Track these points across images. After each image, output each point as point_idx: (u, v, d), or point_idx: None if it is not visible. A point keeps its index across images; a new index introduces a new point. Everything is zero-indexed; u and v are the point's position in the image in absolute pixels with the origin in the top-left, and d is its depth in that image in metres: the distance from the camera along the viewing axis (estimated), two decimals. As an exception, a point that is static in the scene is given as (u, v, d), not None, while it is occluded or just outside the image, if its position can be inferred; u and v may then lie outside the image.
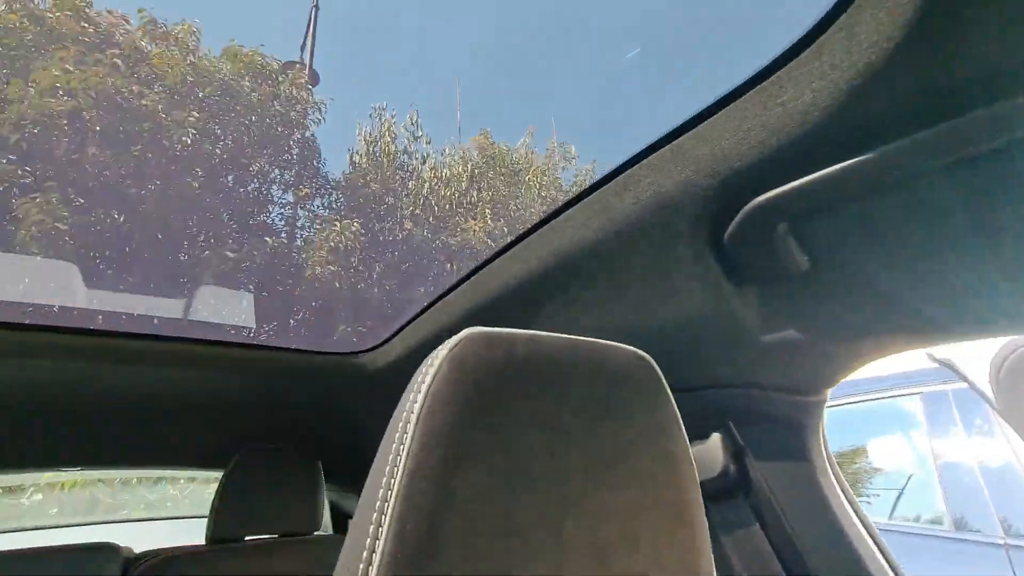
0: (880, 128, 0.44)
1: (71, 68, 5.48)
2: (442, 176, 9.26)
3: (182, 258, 5.89)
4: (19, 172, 5.32)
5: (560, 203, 0.87)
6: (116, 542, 1.72)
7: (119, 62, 5.93)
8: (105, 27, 7.28)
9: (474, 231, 7.92)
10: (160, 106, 5.94)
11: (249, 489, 1.69)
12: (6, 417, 1.54)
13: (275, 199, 8.45)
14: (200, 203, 6.19)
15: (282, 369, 1.60)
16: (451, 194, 8.89)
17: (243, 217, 7.28)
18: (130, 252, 5.53)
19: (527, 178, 9.48)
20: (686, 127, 0.58)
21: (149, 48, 7.17)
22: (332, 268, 6.29)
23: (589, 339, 0.46)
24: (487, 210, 8.48)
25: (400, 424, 0.38)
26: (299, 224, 8.38)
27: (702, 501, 0.43)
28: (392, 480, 0.35)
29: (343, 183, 8.92)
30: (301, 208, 8.53)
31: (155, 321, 4.82)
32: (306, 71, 9.97)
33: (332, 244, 6.40)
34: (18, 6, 7.28)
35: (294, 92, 8.16)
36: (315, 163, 8.83)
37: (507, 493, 0.36)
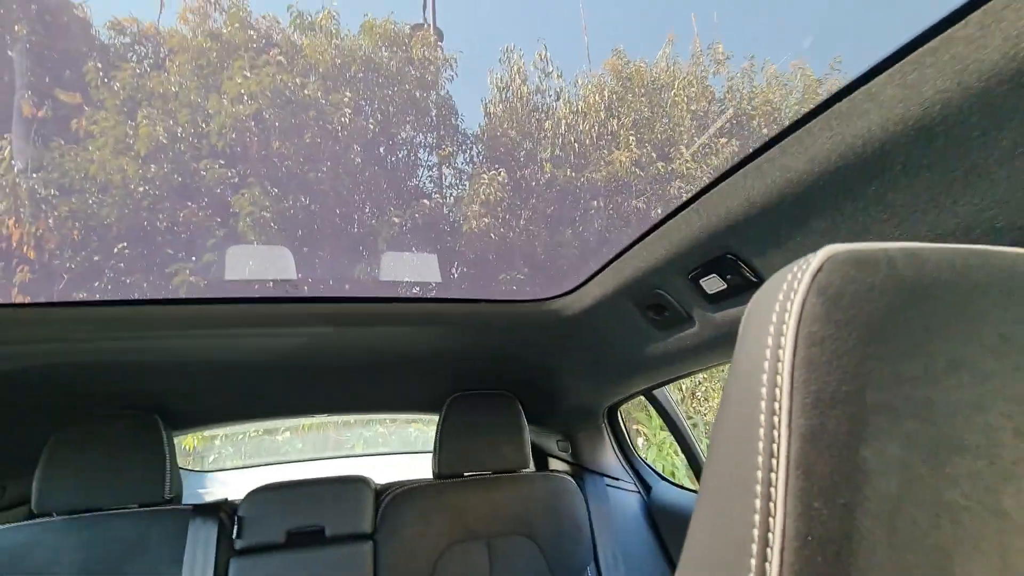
0: None
1: (248, 74, 6.24)
2: (578, 110, 8.81)
3: (356, 229, 6.57)
4: (228, 173, 6.30)
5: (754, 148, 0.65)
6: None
7: (283, 59, 6.60)
8: (264, 30, 8.14)
9: (620, 162, 7.44)
10: (319, 92, 6.51)
11: (462, 430, 1.81)
12: (266, 375, 1.76)
13: (423, 162, 8.94)
14: (363, 176, 6.78)
15: (483, 318, 1.63)
16: (589, 127, 8.44)
17: (398, 183, 7.82)
18: (318, 230, 6.32)
19: (672, 94, 8.54)
20: None
21: (300, 40, 7.86)
22: (486, 220, 6.47)
23: (999, 248, 0.33)
24: (631, 137, 7.89)
25: (764, 376, 0.31)
26: (447, 183, 8.79)
27: None
28: (775, 446, 0.28)
29: (482, 136, 9.03)
30: (446, 167, 8.89)
31: (347, 287, 5.54)
32: (431, 30, 10.08)
33: (483, 197, 6.56)
34: (201, 30, 8.47)
35: (426, 53, 8.33)
36: (453, 120, 9.05)
37: (932, 464, 0.28)
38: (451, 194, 7.86)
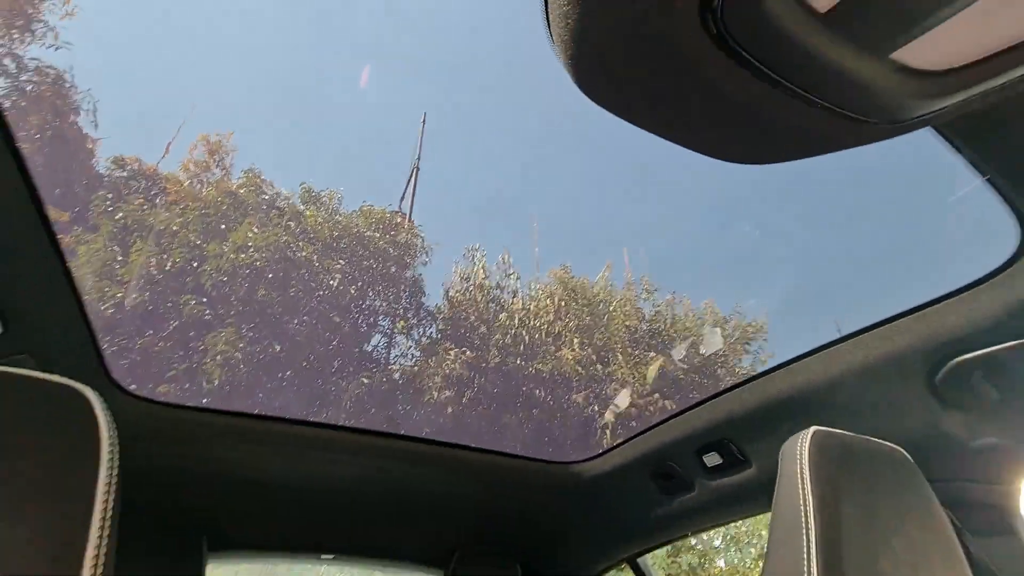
0: None
1: (256, 230, 6.96)
2: (530, 308, 10.08)
3: (319, 383, 6.71)
4: (206, 312, 6.52)
5: (796, 354, 1.35)
6: None
7: (292, 224, 7.45)
8: (271, 196, 9.18)
9: (567, 359, 8.40)
10: (315, 256, 7.26)
11: None
12: (303, 504, 1.72)
13: (381, 328, 9.50)
14: (339, 335, 7.18)
15: (499, 472, 1.79)
16: (540, 324, 9.60)
17: (362, 345, 8.23)
18: (282, 378, 6.42)
19: (611, 308, 10.10)
20: (907, 312, 1.09)
21: (302, 209, 8.90)
22: (447, 394, 6.88)
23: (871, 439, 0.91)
24: (575, 339, 9.04)
25: (799, 518, 0.73)
26: (400, 352, 9.28)
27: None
28: (810, 553, 0.70)
29: (444, 315, 9.91)
30: (407, 337, 9.48)
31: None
32: (406, 220, 11.66)
33: (446, 372, 7.06)
34: (215, 186, 9.38)
35: (409, 239, 9.58)
36: (419, 298, 9.97)
37: (879, 557, 0.67)
38: (411, 364, 8.30)
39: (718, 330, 10.38)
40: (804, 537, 0.74)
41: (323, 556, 2.40)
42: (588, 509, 1.94)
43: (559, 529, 2.04)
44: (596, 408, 8.52)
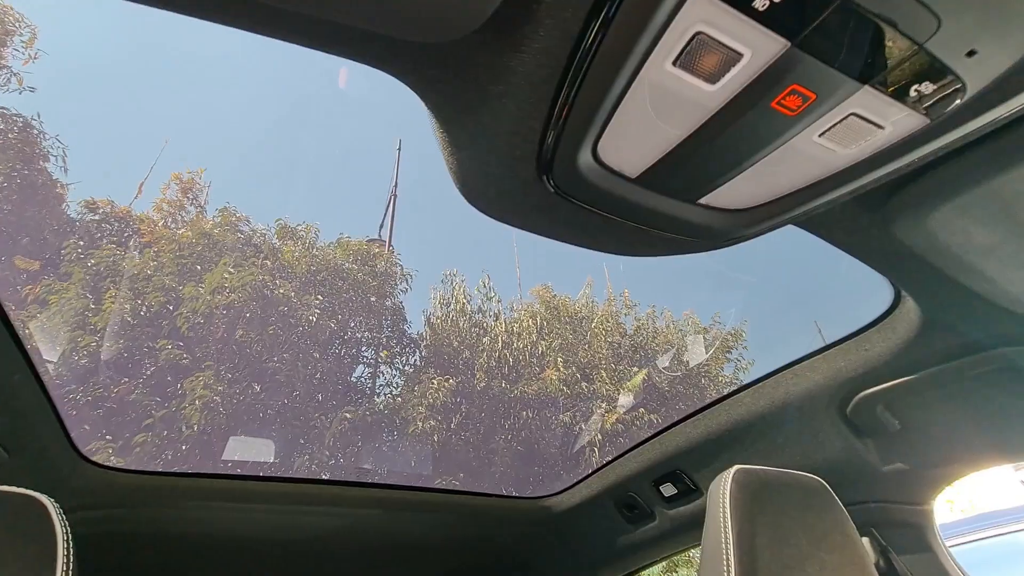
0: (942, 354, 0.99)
1: (232, 270, 6.93)
2: (512, 330, 10.14)
3: (301, 420, 6.65)
4: (183, 355, 6.45)
5: (734, 387, 1.44)
6: None
7: (268, 262, 7.44)
8: (246, 233, 9.16)
9: (551, 379, 8.44)
10: (292, 292, 7.25)
11: None
12: (242, 557, 1.71)
13: (364, 358, 9.45)
14: (320, 370, 7.14)
15: (472, 512, 1.90)
16: (523, 346, 9.65)
17: (345, 378, 8.18)
18: (264, 418, 6.35)
19: (592, 325, 10.19)
20: (816, 352, 1.17)
21: (278, 244, 8.89)
22: (432, 423, 6.86)
23: (791, 472, 0.99)
24: (559, 359, 9.10)
25: (720, 552, 0.85)
26: (388, 382, 9.25)
27: None
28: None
29: (425, 342, 9.93)
30: (388, 366, 9.45)
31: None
32: (386, 247, 11.70)
33: (430, 400, 7.06)
34: (180, 220, 9.33)
35: (387, 268, 9.61)
36: (402, 326, 9.98)
37: None
38: (392, 393, 8.28)
39: (700, 337, 10.54)
40: (725, 570, 0.82)
41: None
42: (559, 541, 2.01)
43: (533, 563, 2.10)
44: (583, 426, 8.55)
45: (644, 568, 1.99)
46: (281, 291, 7.10)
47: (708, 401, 1.47)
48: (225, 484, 1.55)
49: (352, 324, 8.41)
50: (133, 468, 1.59)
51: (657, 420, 8.86)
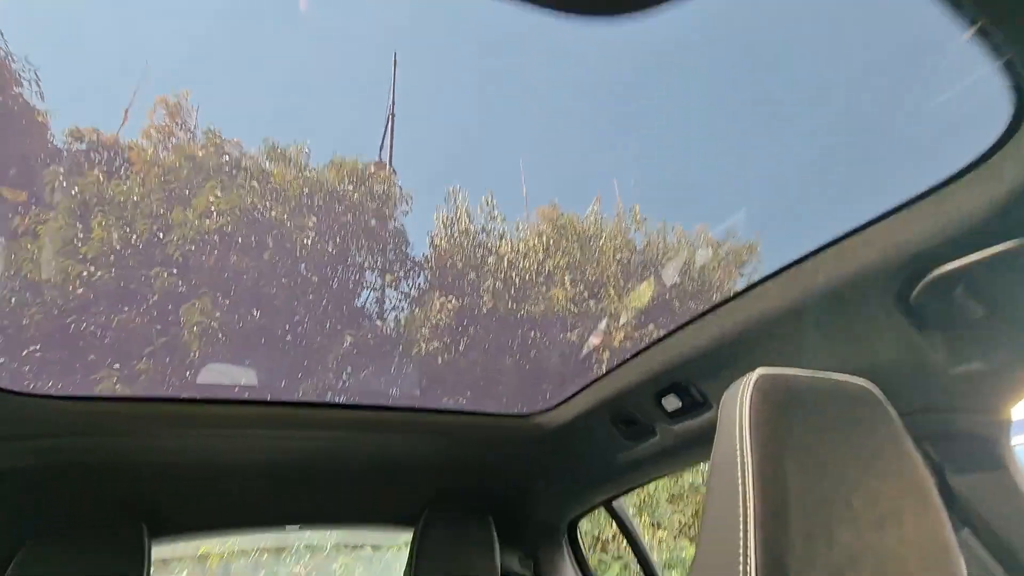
0: None
1: (219, 193, 6.62)
2: (518, 249, 9.84)
3: (305, 345, 6.63)
4: (179, 283, 6.32)
5: (755, 279, 1.15)
6: None
7: (255, 184, 7.09)
8: (236, 156, 8.73)
9: (557, 298, 8.26)
10: (285, 215, 6.96)
11: (437, 554, 1.80)
12: (250, 481, 1.71)
13: (371, 284, 9.34)
14: (317, 295, 7.02)
15: (470, 430, 1.81)
16: (529, 265, 9.39)
17: (350, 303, 8.09)
18: (266, 343, 6.32)
19: (601, 243, 9.84)
20: (874, 222, 0.86)
21: (269, 167, 8.48)
22: (435, 344, 6.80)
23: (830, 375, 0.69)
24: (566, 278, 8.86)
25: (735, 483, 0.56)
26: (393, 306, 9.18)
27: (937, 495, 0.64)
28: (748, 524, 0.53)
29: (429, 264, 9.72)
30: (393, 289, 9.34)
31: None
32: (386, 169, 11.19)
33: (433, 322, 6.95)
34: (174, 149, 8.91)
35: (385, 189, 9.20)
36: (404, 249, 9.73)
37: (829, 512, 0.54)
38: (400, 317, 8.21)
39: (709, 249, 10.18)
40: (741, 506, 0.56)
41: (288, 527, 2.38)
42: (553, 459, 1.89)
43: (526, 480, 2.03)
44: (590, 344, 8.48)
45: (648, 483, 1.90)
46: (273, 214, 6.82)
47: (721, 299, 1.18)
48: (190, 409, 1.43)
49: (352, 247, 8.19)
50: (78, 395, 1.46)
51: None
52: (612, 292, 8.85)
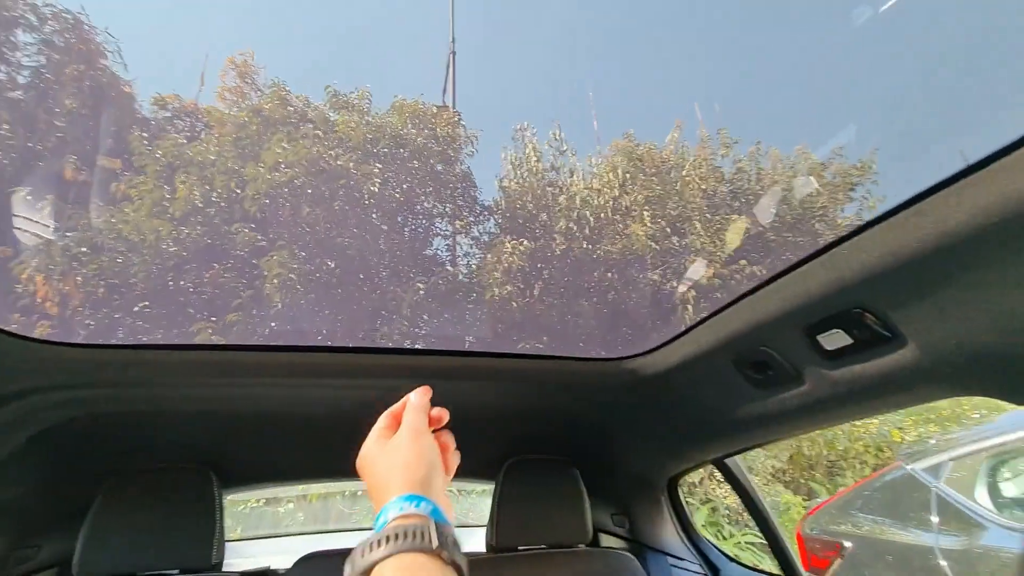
0: None
1: (286, 145, 6.61)
2: (591, 186, 9.20)
3: (379, 293, 6.66)
4: (258, 237, 6.48)
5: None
6: None
7: (319, 133, 7.01)
8: (300, 107, 8.71)
9: (637, 236, 7.66)
10: (351, 164, 6.86)
11: (520, 500, 1.73)
12: (323, 431, 1.63)
13: (441, 231, 9.21)
14: (388, 243, 6.97)
15: (554, 376, 1.59)
16: (604, 202, 8.77)
17: (419, 250, 8.03)
18: (343, 293, 6.40)
19: (683, 174, 8.95)
20: None
21: (334, 117, 8.39)
22: (508, 288, 6.57)
23: None
24: (645, 213, 8.18)
25: None
26: (464, 252, 9.03)
27: None
28: None
29: (499, 207, 9.39)
30: (463, 236, 9.16)
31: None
32: (449, 110, 10.77)
33: (505, 265, 6.70)
34: (240, 107, 9.06)
35: (449, 131, 8.84)
36: (472, 193, 9.44)
37: None
38: (471, 262, 8.05)
39: (812, 179, 8.93)
40: None
41: (359, 479, 2.28)
42: (651, 408, 1.63)
43: (618, 431, 1.84)
44: (675, 284, 7.85)
45: (782, 439, 1.63)
46: (340, 162, 6.73)
47: (934, 184, 0.75)
48: (258, 357, 1.38)
49: (419, 193, 8.01)
50: (144, 343, 1.43)
51: (760, 272, 7.89)
52: (698, 226, 8.06)
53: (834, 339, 0.99)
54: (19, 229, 6.54)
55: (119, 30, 10.29)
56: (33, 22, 9.94)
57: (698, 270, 7.37)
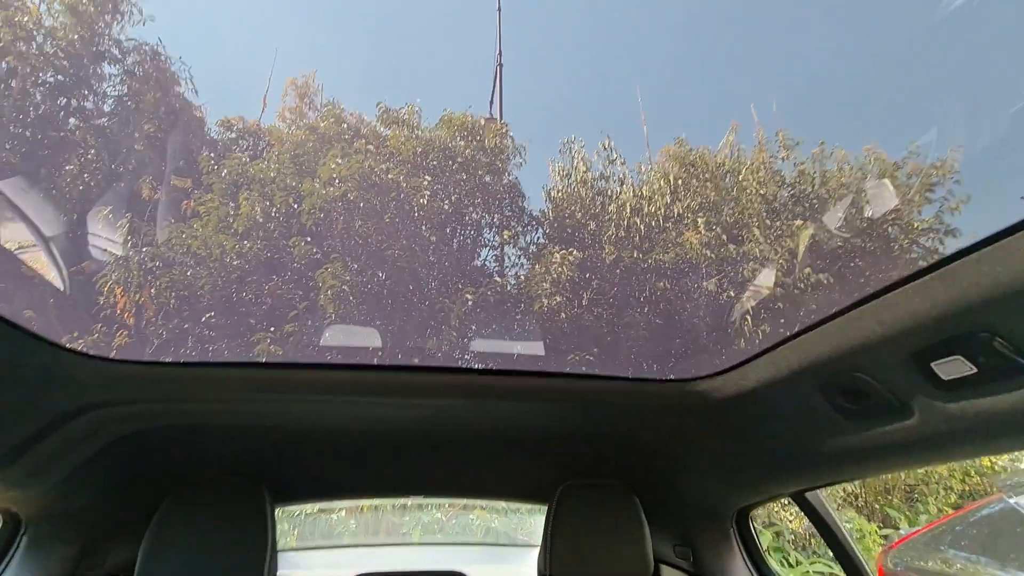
0: None
1: (340, 160, 6.83)
2: (642, 193, 8.97)
3: (428, 304, 6.73)
4: (313, 250, 6.70)
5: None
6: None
7: (371, 148, 7.21)
8: (353, 123, 9.02)
9: (690, 243, 7.38)
10: (401, 177, 7.00)
11: (576, 526, 1.64)
12: (375, 448, 1.69)
13: (489, 242, 9.25)
14: (437, 254, 7.05)
15: (613, 397, 1.51)
16: (655, 210, 8.52)
17: (468, 262, 8.07)
18: (392, 304, 6.51)
19: (740, 178, 8.57)
20: None
21: (385, 132, 8.63)
22: (557, 299, 6.47)
23: None
24: (699, 220, 7.87)
25: None
26: (512, 263, 9.01)
27: None
28: None
29: (546, 217, 9.32)
30: (511, 247, 9.14)
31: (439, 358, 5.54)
32: (497, 122, 10.84)
33: (554, 276, 6.61)
34: (298, 125, 9.48)
35: (497, 142, 8.88)
36: (520, 203, 9.43)
37: None
38: (520, 273, 8.01)
39: (887, 182, 8.30)
40: None
41: (410, 497, 2.33)
42: (721, 435, 1.52)
43: (684, 457, 1.71)
44: (732, 294, 7.49)
45: (877, 475, 1.43)
46: (390, 176, 6.88)
47: None
48: (310, 375, 1.39)
49: (467, 204, 8.07)
50: (198, 361, 1.48)
51: (827, 280, 7.39)
52: (756, 233, 7.67)
53: (952, 367, 0.84)
54: (100, 246, 7.07)
55: (191, 58, 11.08)
56: (117, 55, 10.85)
57: (762, 281, 6.98)
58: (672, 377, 1.45)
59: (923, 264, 0.78)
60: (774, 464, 1.49)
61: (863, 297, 0.93)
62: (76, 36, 10.20)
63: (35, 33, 10.07)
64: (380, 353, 6.00)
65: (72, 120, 10.10)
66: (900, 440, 1.04)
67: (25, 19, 9.99)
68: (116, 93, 10.71)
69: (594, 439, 1.73)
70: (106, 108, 10.71)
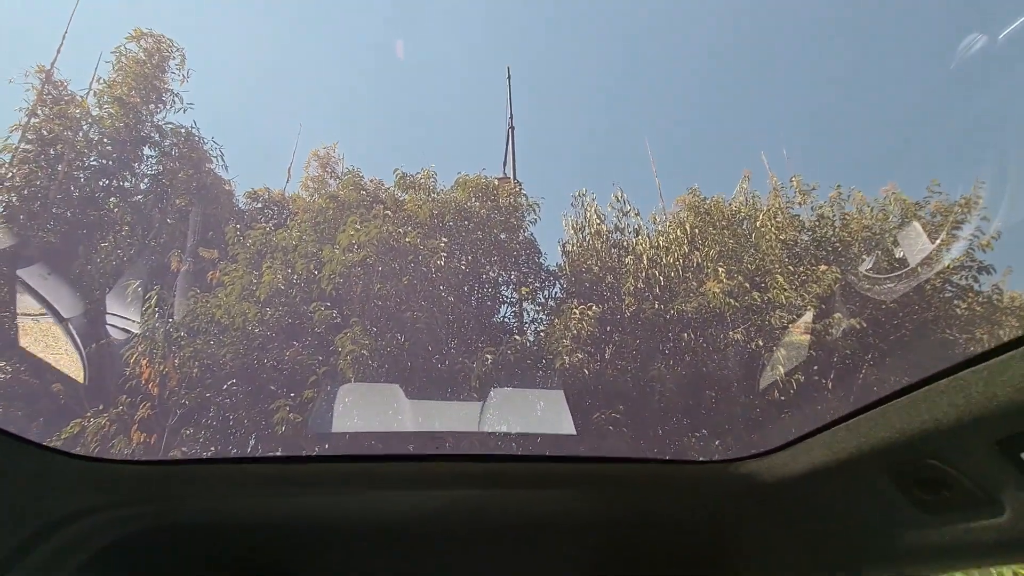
0: None
1: (359, 226, 7.00)
2: (659, 244, 8.94)
3: (447, 365, 6.64)
4: (333, 314, 6.74)
5: None
6: None
7: (389, 212, 7.40)
8: (372, 190, 9.33)
9: (713, 293, 7.23)
10: (419, 239, 7.12)
11: None
12: (394, 543, 1.57)
13: (507, 298, 9.23)
14: (455, 314, 7.03)
15: (647, 481, 1.41)
16: (673, 260, 8.45)
17: (486, 320, 8.03)
18: (411, 367, 6.44)
19: (757, 225, 8.49)
20: None
21: (403, 196, 8.90)
22: (579, 356, 6.32)
23: None
24: (720, 269, 7.75)
25: None
26: (531, 319, 8.94)
27: None
28: None
29: (563, 271, 9.32)
30: (530, 302, 9.10)
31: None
32: (510, 182, 11.11)
33: (574, 332, 6.49)
34: (320, 194, 9.83)
35: (511, 200, 9.06)
36: (536, 259, 9.48)
37: None
38: (537, 329, 7.91)
39: (915, 223, 8.12)
40: None
41: None
42: (775, 520, 1.36)
43: (734, 545, 1.52)
44: (761, 343, 7.23)
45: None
46: (408, 239, 7.01)
47: None
48: (318, 468, 1.35)
49: (484, 263, 8.14)
50: (199, 458, 1.46)
51: (860, 325, 7.10)
52: (780, 279, 7.49)
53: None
54: (128, 319, 7.24)
55: (223, 137, 11.79)
56: (156, 139, 11.62)
57: (797, 327, 6.73)
58: (713, 458, 1.32)
59: (988, 344, 0.68)
60: (831, 556, 1.32)
61: (927, 376, 0.83)
62: (122, 124, 10.96)
63: (82, 123, 10.89)
64: (402, 437, 5.85)
65: (112, 200, 10.69)
66: (990, 539, 0.90)
67: (76, 111, 10.84)
68: (152, 172, 11.39)
69: (631, 527, 1.61)
70: (142, 187, 11.35)
